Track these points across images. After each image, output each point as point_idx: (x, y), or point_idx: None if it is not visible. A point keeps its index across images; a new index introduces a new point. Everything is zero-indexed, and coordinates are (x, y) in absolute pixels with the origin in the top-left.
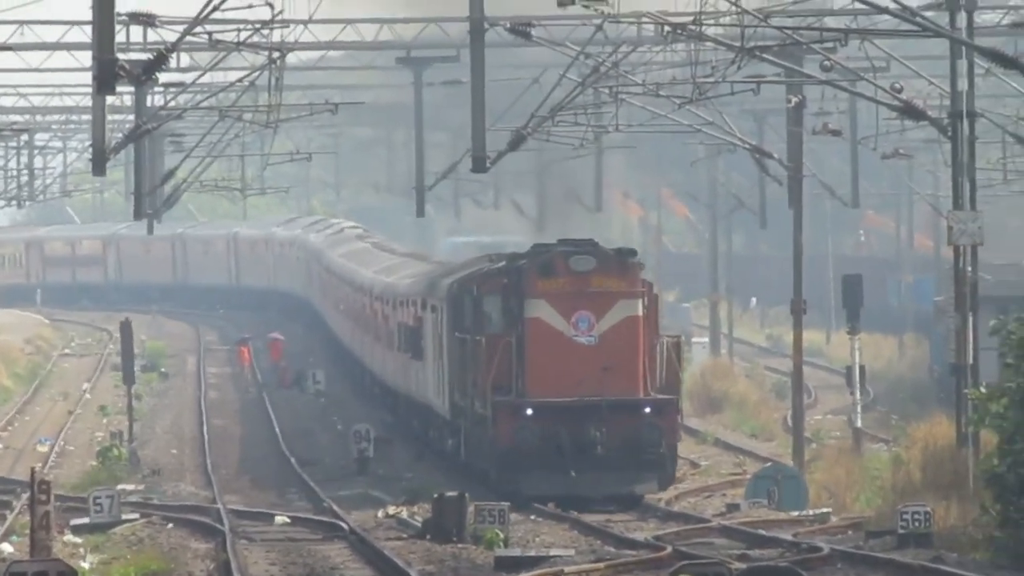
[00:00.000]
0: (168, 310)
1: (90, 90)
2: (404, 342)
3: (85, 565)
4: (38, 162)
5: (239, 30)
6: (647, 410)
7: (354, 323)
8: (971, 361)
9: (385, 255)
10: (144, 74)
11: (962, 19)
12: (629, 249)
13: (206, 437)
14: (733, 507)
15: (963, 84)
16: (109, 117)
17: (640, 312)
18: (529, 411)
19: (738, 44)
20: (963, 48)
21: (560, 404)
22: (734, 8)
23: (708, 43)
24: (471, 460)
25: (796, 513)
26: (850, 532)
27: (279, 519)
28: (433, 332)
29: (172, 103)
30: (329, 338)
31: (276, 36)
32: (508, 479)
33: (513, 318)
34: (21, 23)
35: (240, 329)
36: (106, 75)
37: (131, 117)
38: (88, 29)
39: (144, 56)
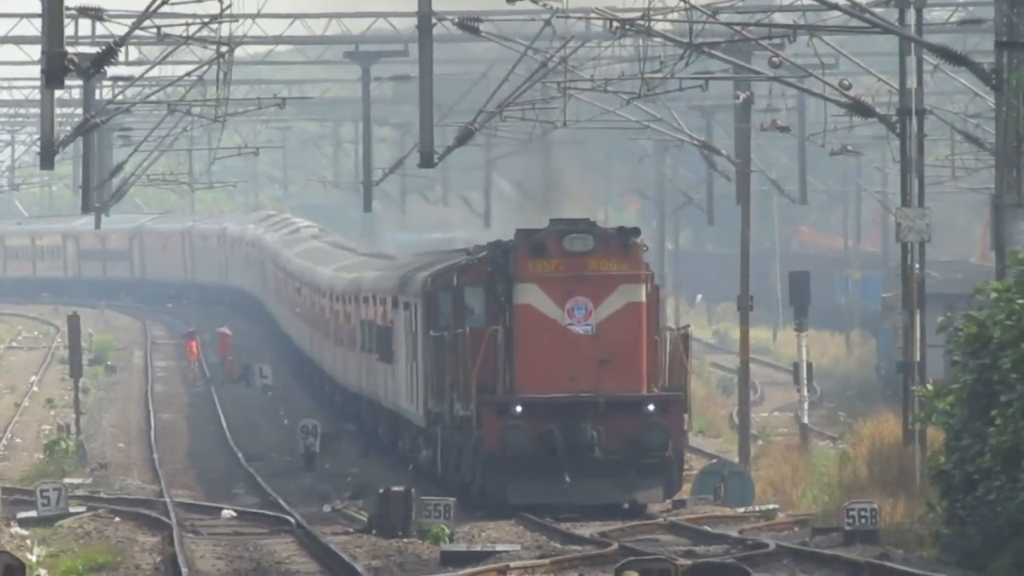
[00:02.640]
0: (123, 305)
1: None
2: (370, 342)
3: (32, 558)
4: None
5: (187, 24)
6: (651, 408)
7: (310, 323)
8: (918, 358)
9: (344, 253)
10: (93, 68)
11: (911, 16)
12: (632, 228)
13: (153, 431)
14: (679, 503)
15: (912, 81)
16: (57, 111)
17: (643, 298)
18: (518, 409)
19: (686, 40)
20: (912, 45)
21: (553, 401)
22: (682, 4)
23: (656, 39)
24: (449, 473)
25: (742, 510)
26: (796, 529)
27: (226, 513)
28: (406, 332)
29: (120, 97)
30: (278, 332)
31: (224, 30)
32: (493, 487)
33: (499, 308)
34: None
35: (188, 323)
36: (55, 69)
37: (80, 111)
38: (37, 22)
39: (93, 50)
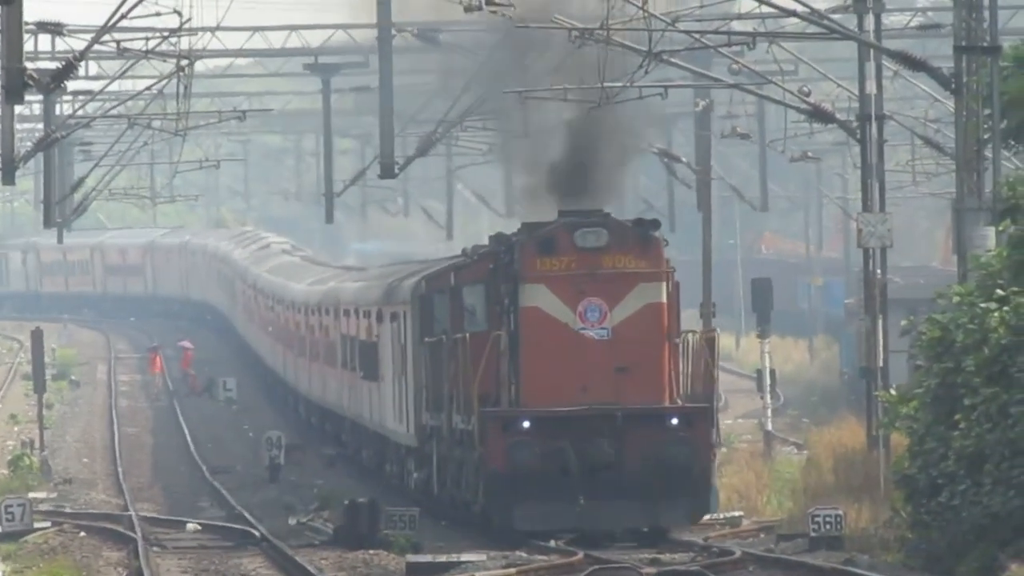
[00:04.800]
0: (83, 320)
1: None
2: (352, 359)
3: None
4: None
5: (147, 38)
6: (674, 421)
7: (282, 341)
8: (881, 364)
9: (318, 268)
10: (53, 83)
11: (870, 22)
12: (651, 220)
13: (117, 445)
14: None
15: (871, 87)
16: (18, 126)
17: (664, 299)
18: (526, 424)
19: (646, 48)
20: (871, 51)
21: (565, 415)
22: (642, 12)
23: (615, 47)
24: (446, 493)
25: (707, 517)
26: (761, 535)
27: (191, 526)
28: (393, 345)
29: (81, 112)
30: (241, 345)
31: (184, 44)
32: (499, 510)
33: (503, 311)
34: None
35: (151, 337)
36: (14, 84)
37: (40, 126)
38: None
39: (53, 65)
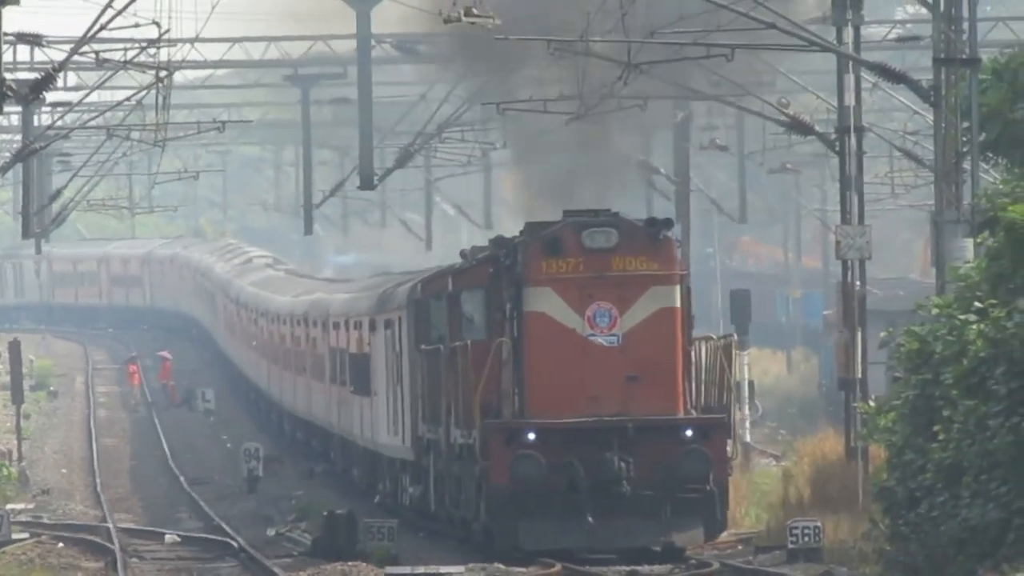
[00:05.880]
0: (64, 330)
1: None
2: (341, 373)
3: None
4: None
5: (126, 49)
6: (688, 433)
7: (266, 355)
8: (860, 375)
9: (303, 280)
10: (31, 94)
11: (848, 34)
12: (663, 220)
13: (95, 456)
14: None
15: (850, 99)
16: None
17: (678, 303)
18: (531, 436)
19: (624, 60)
20: (850, 63)
21: (572, 427)
22: (620, 24)
23: (594, 59)
24: (444, 510)
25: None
26: (740, 547)
27: (169, 538)
28: (387, 354)
29: (59, 122)
30: (219, 355)
31: (163, 55)
32: (503, 528)
33: (505, 317)
34: None
35: (128, 348)
36: None
37: (18, 137)
38: None
39: (31, 76)
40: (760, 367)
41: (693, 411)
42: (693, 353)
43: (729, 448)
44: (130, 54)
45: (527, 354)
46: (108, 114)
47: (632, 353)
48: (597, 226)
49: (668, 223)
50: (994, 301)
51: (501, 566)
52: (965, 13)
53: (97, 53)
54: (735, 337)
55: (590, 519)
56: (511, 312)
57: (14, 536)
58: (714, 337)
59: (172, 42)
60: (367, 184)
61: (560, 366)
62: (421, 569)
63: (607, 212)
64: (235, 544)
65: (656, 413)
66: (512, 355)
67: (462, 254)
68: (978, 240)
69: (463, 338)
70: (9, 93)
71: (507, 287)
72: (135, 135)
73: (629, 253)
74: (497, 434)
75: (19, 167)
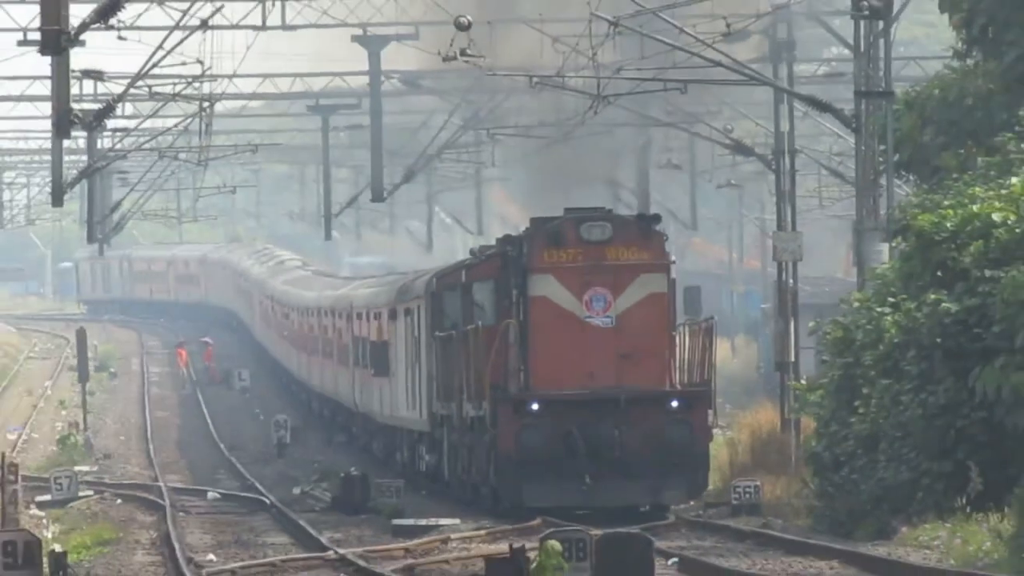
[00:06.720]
0: (121, 319)
1: (50, 135)
2: (364, 358)
3: (48, 535)
4: (6, 195)
5: (174, 84)
6: (675, 404)
7: (296, 344)
8: (792, 359)
9: (328, 279)
10: (95, 121)
11: (783, 70)
12: (652, 215)
13: (149, 426)
14: None
15: (785, 125)
16: (66, 157)
17: (665, 289)
18: (535, 407)
19: (595, 93)
20: (784, 95)
21: (571, 398)
22: (591, 62)
23: (569, 92)
24: (456, 477)
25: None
26: (692, 503)
27: (211, 495)
28: (406, 339)
29: (119, 145)
30: (254, 343)
31: (206, 88)
32: (509, 489)
33: (511, 303)
34: None
35: (177, 335)
36: (63, 122)
37: (84, 157)
38: (47, 83)
39: (95, 106)
40: None
41: (678, 385)
42: (677, 336)
43: (710, 418)
44: (178, 88)
45: (531, 334)
46: (159, 138)
47: (625, 333)
48: (594, 221)
49: (656, 218)
50: (906, 296)
51: (488, 521)
52: (882, 53)
53: (150, 87)
54: (715, 319)
55: (587, 480)
56: (517, 297)
57: (81, 494)
58: (696, 321)
59: (213, 78)
60: (378, 197)
61: (561, 345)
62: (423, 521)
63: (602, 209)
64: (267, 500)
65: (646, 386)
66: (518, 335)
67: (472, 252)
68: (893, 244)
69: (476, 322)
70: (76, 121)
71: (514, 276)
72: (182, 156)
73: (622, 244)
74: (505, 405)
75: (84, 183)
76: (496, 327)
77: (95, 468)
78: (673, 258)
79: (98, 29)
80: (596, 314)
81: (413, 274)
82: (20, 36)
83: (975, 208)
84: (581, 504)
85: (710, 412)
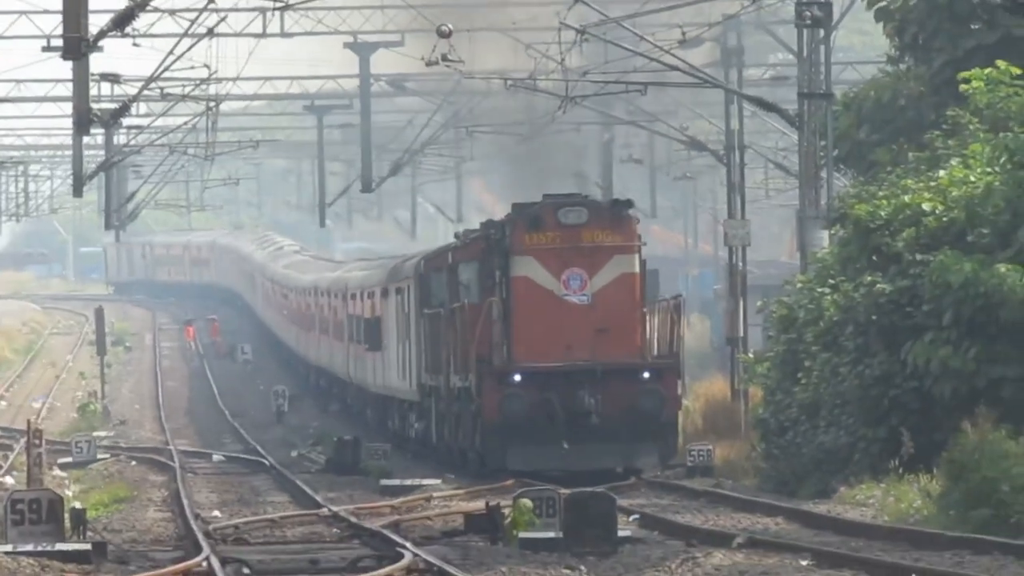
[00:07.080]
0: (136, 299)
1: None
2: (358, 334)
3: (69, 493)
4: (32, 187)
5: (184, 86)
6: (646, 376)
7: (295, 322)
8: (742, 334)
9: (323, 263)
10: (112, 120)
11: (734, 74)
12: (625, 200)
13: (160, 395)
14: None
15: (735, 124)
16: (85, 152)
17: (637, 269)
18: (517, 378)
19: (563, 94)
20: (735, 96)
21: (551, 370)
22: (560, 67)
23: (541, 93)
24: (443, 442)
25: None
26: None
27: (216, 457)
28: (397, 316)
29: (133, 141)
30: (256, 321)
31: (212, 90)
32: (493, 453)
33: (495, 283)
34: (18, 81)
35: (186, 313)
36: (83, 121)
37: (102, 152)
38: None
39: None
40: None
41: (649, 358)
42: (647, 314)
43: (680, 388)
44: (186, 89)
45: (513, 311)
46: (170, 135)
47: (600, 310)
48: (571, 206)
49: (629, 203)
50: (844, 278)
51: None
52: (823, 59)
53: (162, 89)
54: (684, 296)
55: (565, 445)
56: (500, 277)
57: (99, 456)
58: (667, 298)
59: (218, 80)
60: (367, 188)
61: (541, 321)
62: (408, 481)
63: (579, 195)
64: (267, 462)
65: (620, 359)
66: (501, 312)
67: (456, 235)
68: (832, 232)
69: (462, 300)
70: (95, 119)
71: (497, 257)
72: (190, 151)
73: (597, 228)
74: (489, 377)
75: (102, 175)
76: (480, 305)
77: (112, 433)
78: (645, 241)
79: (115, 36)
80: (573, 292)
81: (403, 256)
82: (44, 43)
83: (907, 199)
84: (560, 467)
85: (679, 383)
